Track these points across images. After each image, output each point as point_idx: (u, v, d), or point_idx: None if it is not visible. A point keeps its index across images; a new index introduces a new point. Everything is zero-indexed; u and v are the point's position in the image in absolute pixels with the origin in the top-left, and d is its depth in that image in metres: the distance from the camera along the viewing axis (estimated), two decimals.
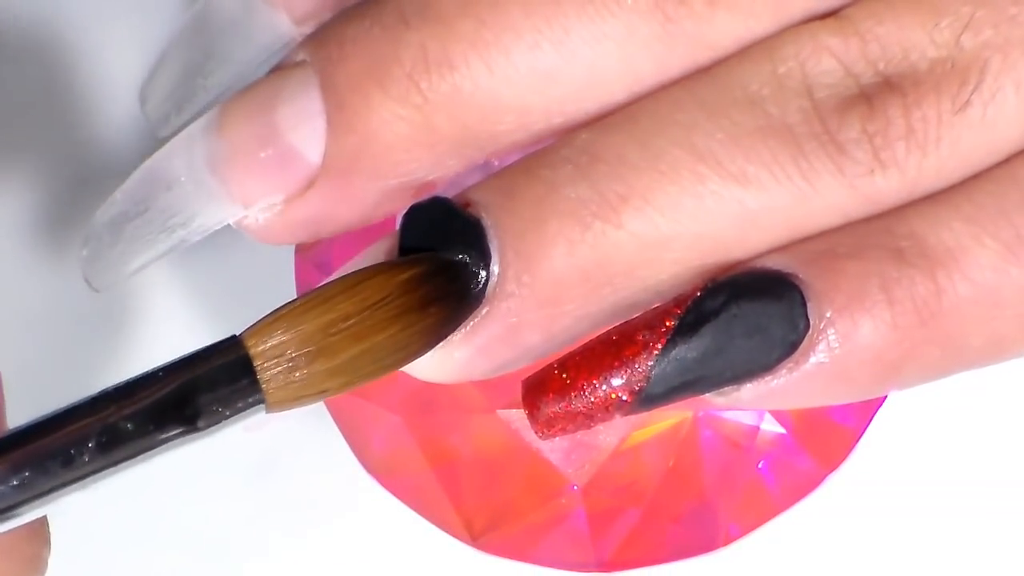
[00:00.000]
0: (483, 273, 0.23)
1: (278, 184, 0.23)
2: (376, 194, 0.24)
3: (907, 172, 0.23)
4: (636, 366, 0.22)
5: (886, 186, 0.23)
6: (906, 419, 0.34)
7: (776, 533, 0.31)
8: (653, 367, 0.22)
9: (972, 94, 0.23)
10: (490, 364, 0.23)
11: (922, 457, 0.34)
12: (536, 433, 0.23)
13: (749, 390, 0.23)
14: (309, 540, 0.35)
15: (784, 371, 0.23)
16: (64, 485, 0.21)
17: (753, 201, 0.23)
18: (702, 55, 0.23)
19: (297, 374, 0.22)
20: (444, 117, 0.23)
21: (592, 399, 0.23)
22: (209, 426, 0.22)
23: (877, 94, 0.23)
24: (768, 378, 0.23)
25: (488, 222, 0.23)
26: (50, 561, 0.35)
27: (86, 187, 0.35)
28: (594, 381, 0.23)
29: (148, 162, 0.24)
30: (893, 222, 0.23)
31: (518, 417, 0.31)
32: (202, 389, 0.21)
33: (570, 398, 0.23)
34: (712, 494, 0.31)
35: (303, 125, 0.23)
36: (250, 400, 0.22)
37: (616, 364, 0.23)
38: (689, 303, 0.23)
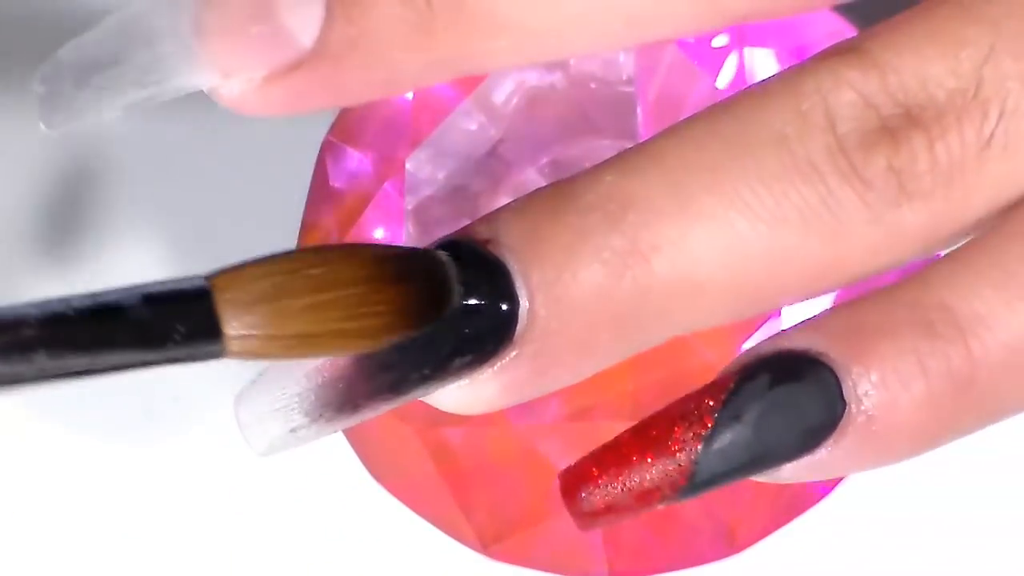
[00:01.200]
0: (511, 316, 0.22)
1: (263, 61, 0.23)
2: (359, 85, 0.24)
3: (934, 204, 0.23)
4: (677, 462, 0.22)
5: (913, 219, 0.23)
6: None
7: (783, 540, 0.31)
8: (695, 462, 0.22)
9: (995, 125, 0.22)
10: (516, 399, 0.23)
11: (929, 463, 0.34)
12: (578, 526, 0.23)
13: (788, 469, 0.23)
14: (317, 548, 0.35)
15: (823, 451, 0.23)
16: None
17: (783, 242, 0.22)
18: None
19: (260, 315, 0.21)
20: (444, 24, 0.23)
21: (633, 495, 0.23)
22: (168, 359, 0.21)
23: (900, 127, 0.22)
24: (807, 458, 0.23)
25: (515, 267, 0.23)
26: (50, 561, 0.35)
27: (82, 182, 0.35)
28: (634, 477, 0.22)
29: (126, 13, 0.23)
30: (920, 293, 0.23)
31: (530, 427, 0.31)
32: (169, 316, 0.21)
33: (610, 493, 0.23)
34: (721, 501, 0.31)
35: (301, 8, 0.23)
36: (212, 341, 0.21)
37: (655, 460, 0.22)
38: (725, 396, 0.22)
